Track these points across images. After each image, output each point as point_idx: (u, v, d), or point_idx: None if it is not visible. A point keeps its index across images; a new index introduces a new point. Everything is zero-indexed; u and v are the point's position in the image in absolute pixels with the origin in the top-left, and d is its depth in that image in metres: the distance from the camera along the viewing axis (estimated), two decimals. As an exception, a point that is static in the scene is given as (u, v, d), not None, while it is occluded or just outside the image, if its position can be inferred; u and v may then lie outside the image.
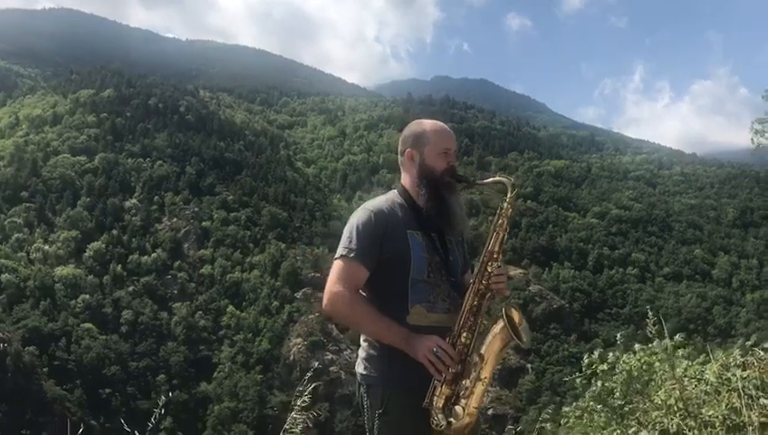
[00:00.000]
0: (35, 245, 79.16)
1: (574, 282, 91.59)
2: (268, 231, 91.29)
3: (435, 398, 2.29)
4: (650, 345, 3.40)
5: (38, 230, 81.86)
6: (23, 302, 70.29)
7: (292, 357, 69.10)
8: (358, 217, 2.48)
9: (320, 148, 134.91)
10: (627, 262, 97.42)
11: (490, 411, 58.48)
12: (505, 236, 2.47)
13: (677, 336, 3.33)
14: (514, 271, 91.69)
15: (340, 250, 2.46)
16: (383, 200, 2.55)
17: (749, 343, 2.88)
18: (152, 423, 3.23)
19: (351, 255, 2.42)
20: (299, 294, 79.97)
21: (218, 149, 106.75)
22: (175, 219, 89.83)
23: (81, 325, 69.83)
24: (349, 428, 55.59)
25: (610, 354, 3.61)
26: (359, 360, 2.56)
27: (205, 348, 74.15)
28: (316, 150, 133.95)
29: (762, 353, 2.68)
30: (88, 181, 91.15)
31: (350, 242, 2.43)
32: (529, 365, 70.67)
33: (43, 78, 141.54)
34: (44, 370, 61.36)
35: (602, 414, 3.48)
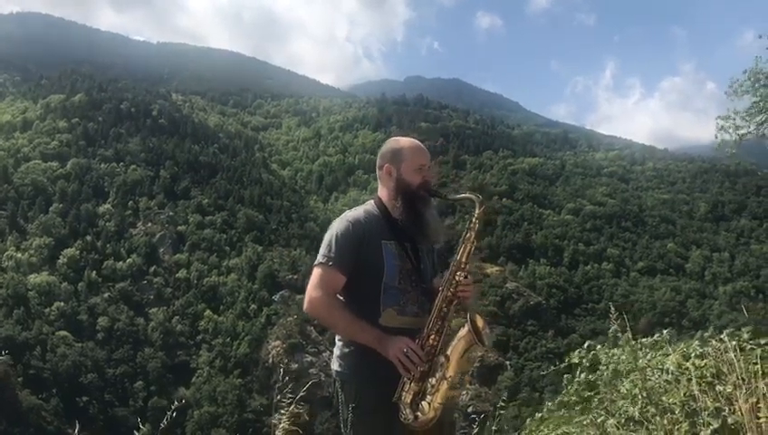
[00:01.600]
0: (7, 253, 77.99)
1: (550, 278, 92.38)
2: (244, 234, 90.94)
3: (403, 394, 2.51)
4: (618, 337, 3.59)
5: (10, 238, 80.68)
6: (-5, 311, 69.27)
7: (270, 360, 68.86)
8: (337, 226, 2.69)
9: (295, 149, 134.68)
10: (602, 257, 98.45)
11: (470, 409, 58.72)
12: (473, 249, 2.66)
13: (665, 332, 3.54)
14: (491, 269, 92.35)
15: (320, 258, 2.66)
16: (361, 211, 2.75)
17: (707, 334, 3.07)
18: (165, 423, 3.34)
19: (330, 263, 2.61)
20: (276, 297, 79.76)
21: (192, 152, 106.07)
22: (150, 224, 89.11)
23: (57, 333, 68.96)
24: (330, 429, 55.51)
25: (598, 347, 3.81)
26: (334, 358, 2.74)
27: (182, 353, 73.67)
28: (291, 152, 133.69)
29: (717, 344, 2.86)
30: (60, 187, 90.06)
31: (330, 250, 2.63)
32: (507, 362, 71.13)
33: (12, 83, 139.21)
34: (19, 379, 60.49)
35: (578, 407, 3.67)
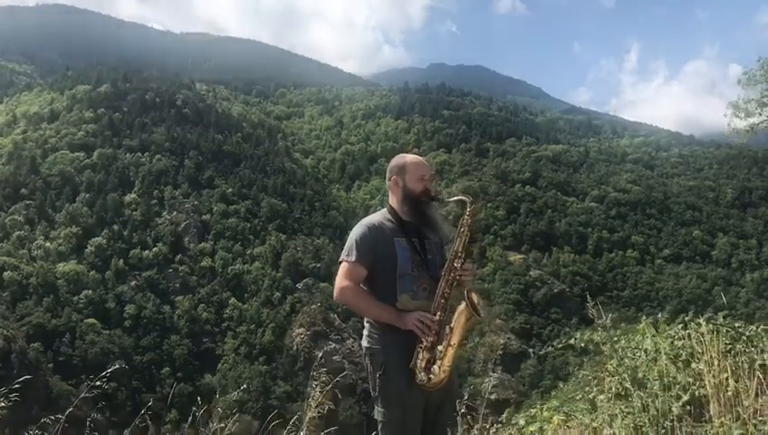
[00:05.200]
0: (37, 242, 79.42)
1: (574, 266, 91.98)
2: (268, 223, 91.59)
3: (418, 361, 3.13)
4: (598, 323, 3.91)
5: (39, 227, 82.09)
6: (26, 299, 70.62)
7: (295, 347, 69.52)
8: (356, 230, 3.31)
9: (318, 138, 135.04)
10: (626, 245, 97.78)
11: (493, 396, 58.85)
12: (467, 240, 3.28)
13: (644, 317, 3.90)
14: (514, 257, 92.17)
15: (344, 256, 3.28)
16: (376, 216, 3.39)
17: (687, 317, 3.35)
18: (196, 415, 3.85)
19: (352, 258, 3.24)
20: (300, 285, 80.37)
21: (216, 141, 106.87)
22: (175, 213, 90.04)
23: (85, 321, 70.20)
24: (353, 416, 55.96)
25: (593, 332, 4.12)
26: (364, 335, 3.35)
27: (208, 340, 74.61)
28: (314, 141, 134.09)
29: (695, 326, 3.16)
30: (87, 177, 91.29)
31: (351, 250, 3.26)
32: (531, 350, 71.10)
33: (39, 75, 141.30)
34: (50, 366, 61.74)
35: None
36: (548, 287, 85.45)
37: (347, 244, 3.29)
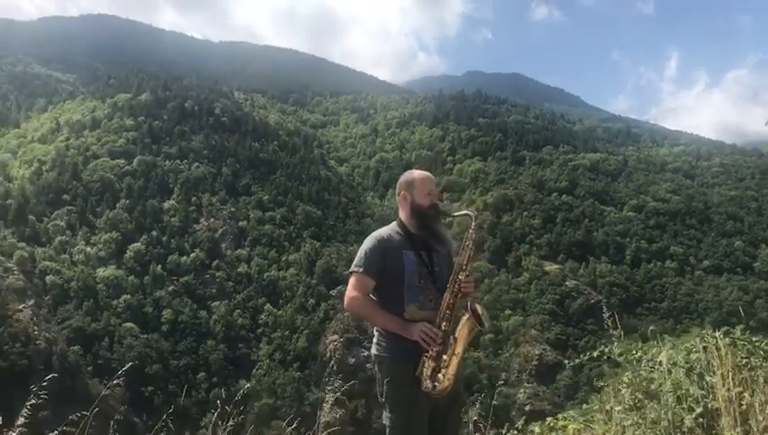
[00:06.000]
0: (78, 247, 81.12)
1: (611, 276, 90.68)
2: (303, 230, 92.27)
3: (424, 369, 3.24)
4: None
5: (80, 232, 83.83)
6: (67, 303, 72.21)
7: (328, 354, 69.74)
8: (366, 243, 3.45)
9: (352, 146, 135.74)
10: (665, 255, 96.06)
11: (527, 407, 58.32)
12: (471, 254, 3.38)
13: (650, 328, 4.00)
14: (550, 266, 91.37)
15: (353, 268, 3.41)
16: (386, 230, 3.53)
17: (704, 331, 3.37)
18: (232, 418, 3.91)
19: (361, 270, 3.37)
20: (334, 292, 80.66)
21: (253, 149, 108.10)
22: (212, 220, 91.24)
23: (123, 325, 71.45)
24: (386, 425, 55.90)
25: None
26: (373, 343, 3.48)
27: (243, 346, 75.30)
28: (349, 149, 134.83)
29: (711, 339, 3.18)
30: (127, 184, 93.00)
31: (361, 261, 3.39)
32: (566, 361, 70.19)
33: (82, 83, 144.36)
34: (89, 369, 62.90)
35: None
36: (584, 298, 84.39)
37: (357, 255, 3.44)
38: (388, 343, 3.37)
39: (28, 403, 3.77)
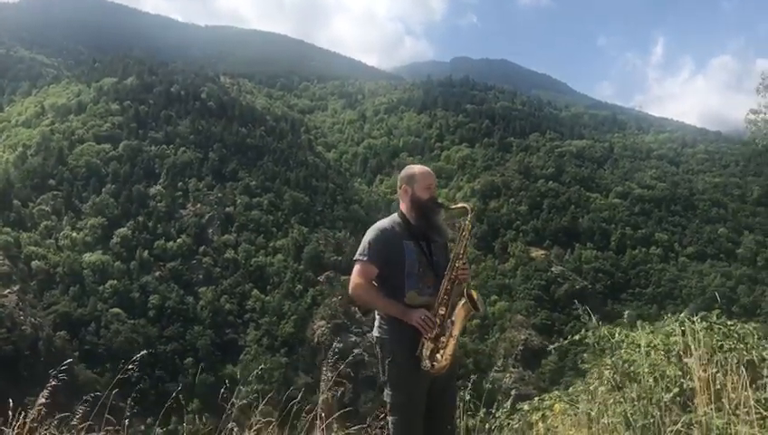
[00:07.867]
0: (63, 232, 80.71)
1: (597, 262, 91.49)
2: (290, 216, 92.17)
3: (423, 350, 3.50)
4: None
5: (66, 217, 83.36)
6: (53, 288, 71.92)
7: (316, 340, 70.02)
8: (369, 233, 3.67)
9: (340, 132, 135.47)
10: (650, 242, 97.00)
11: (513, 392, 58.77)
12: (467, 243, 3.68)
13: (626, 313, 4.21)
14: (536, 252, 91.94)
15: (358, 256, 3.64)
16: (387, 221, 3.75)
17: (682, 315, 3.56)
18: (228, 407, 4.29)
19: (365, 258, 3.60)
20: (322, 278, 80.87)
21: (240, 135, 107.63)
22: (199, 205, 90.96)
23: (110, 310, 71.30)
24: (373, 408, 56.29)
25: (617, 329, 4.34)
26: (375, 326, 3.76)
27: (231, 331, 75.37)
28: (337, 135, 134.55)
29: (689, 323, 3.37)
30: (113, 169, 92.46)
31: (365, 250, 3.62)
32: (550, 346, 70.86)
33: (66, 67, 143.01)
34: (75, 354, 62.75)
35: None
36: (570, 284, 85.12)
37: (361, 245, 3.67)
38: (389, 326, 3.63)
39: (46, 389, 3.97)
